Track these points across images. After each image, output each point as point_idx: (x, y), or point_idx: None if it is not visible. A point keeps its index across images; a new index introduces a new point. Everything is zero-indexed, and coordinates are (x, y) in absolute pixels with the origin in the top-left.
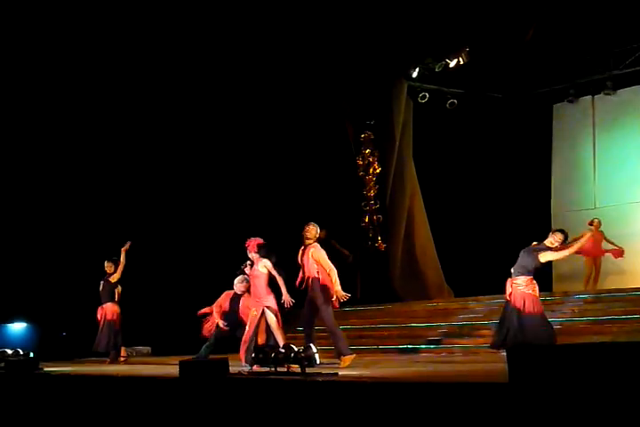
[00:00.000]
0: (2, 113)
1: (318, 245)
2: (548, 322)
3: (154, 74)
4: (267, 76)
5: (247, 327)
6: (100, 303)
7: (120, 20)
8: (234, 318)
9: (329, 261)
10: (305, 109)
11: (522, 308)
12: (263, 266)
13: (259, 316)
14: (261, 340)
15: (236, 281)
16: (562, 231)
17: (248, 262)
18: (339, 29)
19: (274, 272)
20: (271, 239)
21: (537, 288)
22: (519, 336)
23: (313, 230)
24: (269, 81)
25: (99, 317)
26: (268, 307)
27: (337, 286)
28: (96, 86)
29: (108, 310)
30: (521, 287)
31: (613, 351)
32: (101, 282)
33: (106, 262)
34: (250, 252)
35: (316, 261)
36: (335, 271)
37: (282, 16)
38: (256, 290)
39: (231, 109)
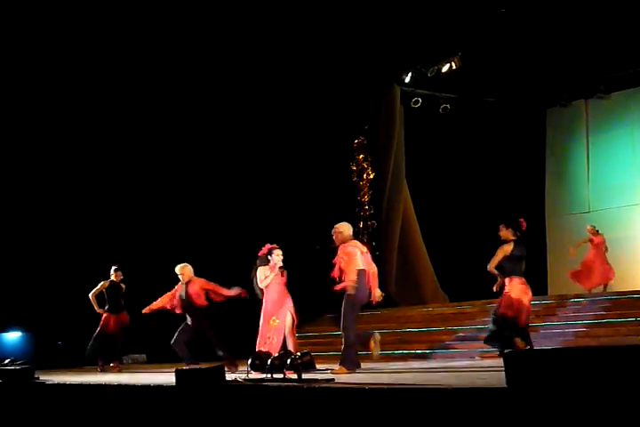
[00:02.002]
0: (1, 116)
1: (343, 246)
2: (515, 328)
3: (157, 80)
4: (262, 82)
5: (274, 339)
6: (111, 311)
7: (122, 21)
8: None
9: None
10: (298, 115)
11: (498, 308)
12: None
13: (284, 323)
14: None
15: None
16: (503, 223)
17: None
18: (332, 36)
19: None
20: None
21: (520, 288)
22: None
23: (335, 232)
24: (264, 87)
25: (113, 325)
26: (290, 311)
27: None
28: (108, 90)
29: (125, 319)
30: (505, 289)
31: (610, 355)
32: (107, 289)
33: (115, 271)
34: (279, 257)
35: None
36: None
37: (278, 23)
38: (279, 296)
39: (227, 116)
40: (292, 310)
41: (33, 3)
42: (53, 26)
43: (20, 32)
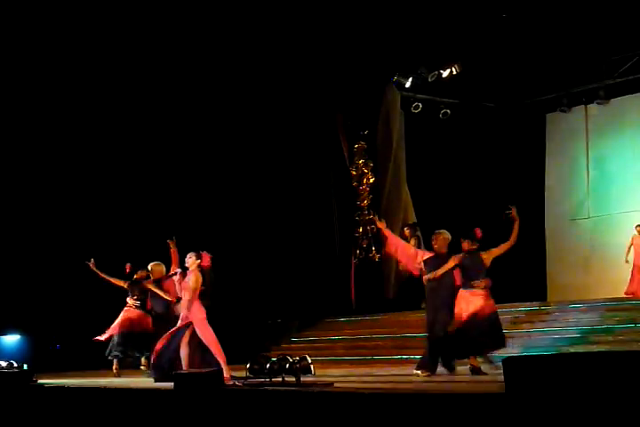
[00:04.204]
0: (3, 116)
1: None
2: None
3: (154, 72)
4: (260, 85)
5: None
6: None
7: (120, 20)
8: None
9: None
10: (298, 119)
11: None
12: (195, 280)
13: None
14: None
15: None
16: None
17: (179, 271)
18: (332, 40)
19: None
20: (262, 251)
21: None
22: None
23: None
24: (263, 91)
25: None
26: (195, 321)
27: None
28: (97, 88)
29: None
30: None
31: (609, 361)
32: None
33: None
34: (203, 265)
35: None
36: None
37: (275, 28)
38: (185, 302)
39: (223, 119)
40: (198, 317)
41: (33, 3)
42: (53, 26)
43: (19, 32)
